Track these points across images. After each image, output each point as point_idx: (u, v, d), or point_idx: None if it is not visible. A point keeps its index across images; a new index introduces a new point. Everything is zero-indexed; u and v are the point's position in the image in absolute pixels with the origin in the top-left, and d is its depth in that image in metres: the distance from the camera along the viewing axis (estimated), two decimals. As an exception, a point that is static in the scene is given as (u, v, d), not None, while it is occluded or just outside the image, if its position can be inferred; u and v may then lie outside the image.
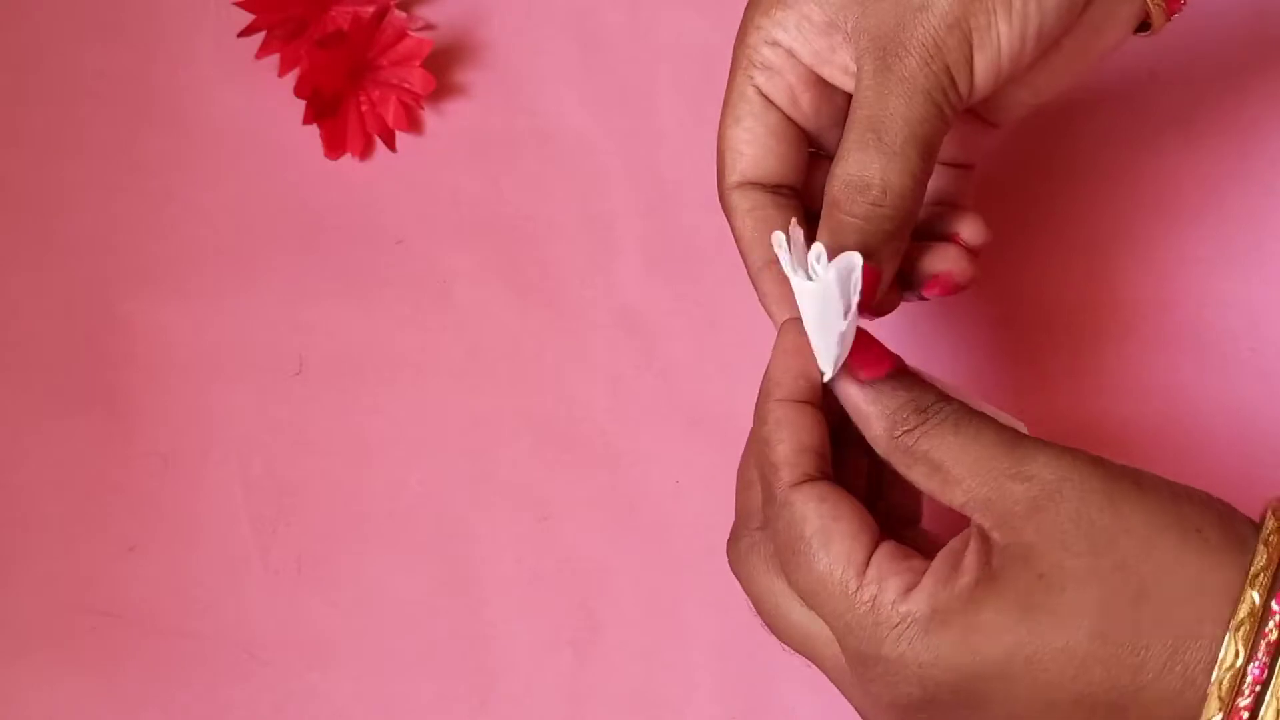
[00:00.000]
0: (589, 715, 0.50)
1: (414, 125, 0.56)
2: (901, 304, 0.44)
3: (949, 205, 0.45)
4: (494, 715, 0.50)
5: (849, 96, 0.41)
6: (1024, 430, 0.39)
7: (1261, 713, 0.33)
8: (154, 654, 0.51)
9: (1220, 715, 0.34)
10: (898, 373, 0.39)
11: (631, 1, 0.56)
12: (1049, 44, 0.41)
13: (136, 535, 0.52)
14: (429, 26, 0.56)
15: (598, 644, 0.50)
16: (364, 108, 0.55)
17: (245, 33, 0.54)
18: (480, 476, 0.52)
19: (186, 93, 0.56)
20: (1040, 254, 0.53)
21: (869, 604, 0.36)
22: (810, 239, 0.39)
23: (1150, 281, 0.52)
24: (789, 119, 0.43)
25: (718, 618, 0.50)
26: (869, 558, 0.37)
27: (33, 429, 0.53)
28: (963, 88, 0.40)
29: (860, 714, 0.39)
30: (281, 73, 0.56)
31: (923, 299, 0.44)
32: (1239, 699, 0.34)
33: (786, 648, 0.40)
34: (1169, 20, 0.43)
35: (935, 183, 0.43)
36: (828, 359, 0.39)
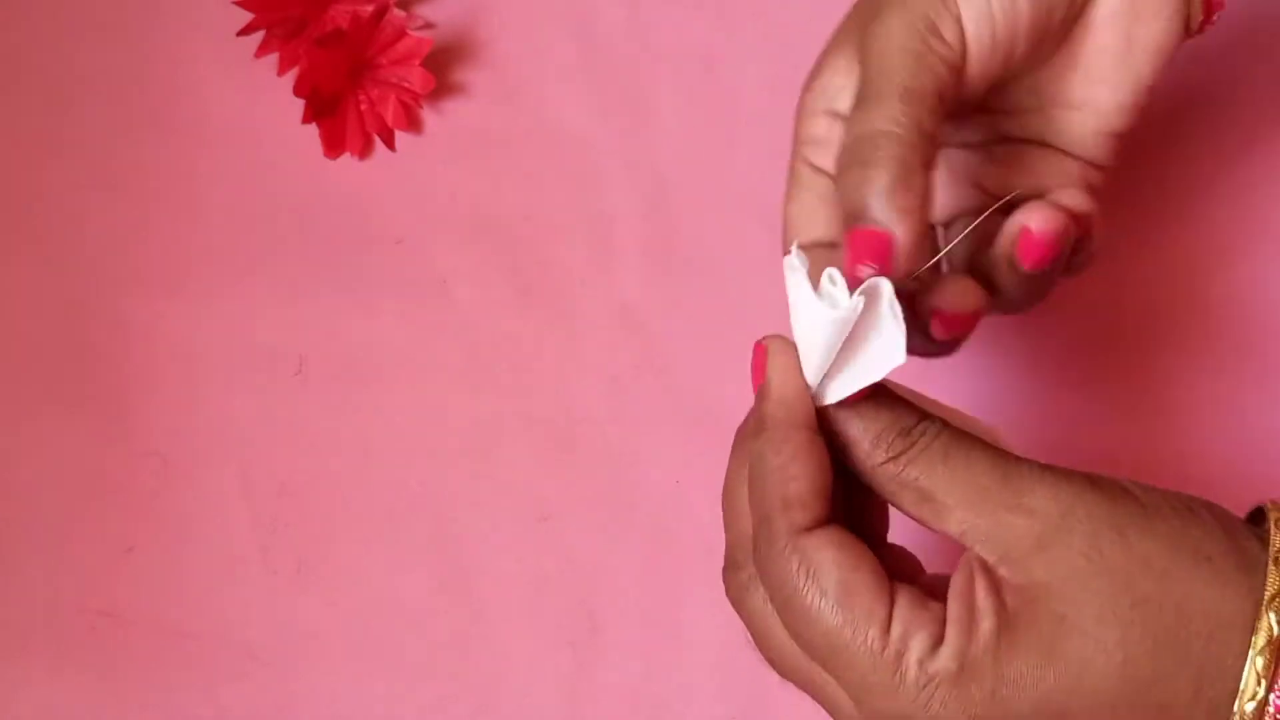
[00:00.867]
0: (589, 715, 0.50)
1: (413, 124, 0.56)
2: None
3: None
4: (494, 715, 0.50)
5: None
6: (1001, 435, 0.38)
7: None
8: (153, 654, 0.51)
9: None
10: (878, 392, 0.37)
11: (631, 1, 0.56)
12: (1058, 15, 0.40)
13: (135, 535, 0.52)
14: (428, 25, 0.56)
15: (598, 644, 0.50)
16: (363, 107, 0.55)
17: (244, 31, 0.54)
18: (480, 477, 0.52)
19: (185, 92, 0.56)
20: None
21: (893, 663, 0.34)
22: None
23: (1151, 282, 0.52)
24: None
25: (718, 618, 0.50)
26: (891, 612, 0.35)
27: (32, 429, 0.53)
28: (949, 34, 0.39)
29: None
30: (280, 72, 0.56)
31: (933, 343, 0.41)
32: None
33: (786, 681, 0.38)
34: (1210, 19, 0.42)
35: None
36: (830, 389, 0.37)
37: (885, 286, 0.35)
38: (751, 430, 0.38)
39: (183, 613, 0.51)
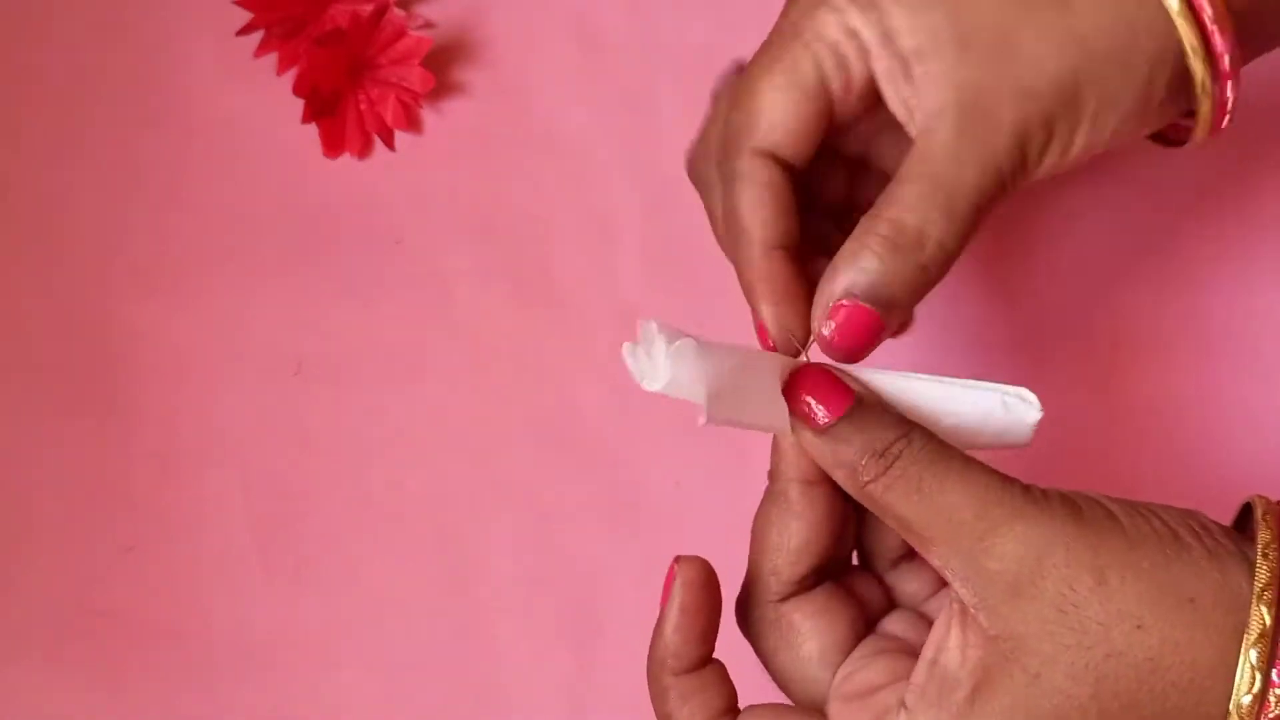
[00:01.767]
0: (589, 715, 0.50)
1: (413, 124, 0.56)
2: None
3: None
4: (494, 715, 0.50)
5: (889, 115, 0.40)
6: (1031, 399, 0.37)
7: None
8: (153, 654, 0.51)
9: None
10: (856, 406, 0.36)
11: (631, 1, 0.56)
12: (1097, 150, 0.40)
13: (136, 536, 0.52)
14: (428, 25, 0.56)
15: (598, 644, 0.50)
16: (363, 106, 0.55)
17: (244, 31, 0.54)
18: (480, 477, 0.52)
19: (184, 91, 0.56)
20: (1041, 254, 0.53)
21: None
22: None
23: (1151, 283, 0.52)
24: (832, 108, 0.40)
25: (718, 618, 0.50)
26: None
27: (32, 429, 0.53)
28: (1030, 174, 0.39)
29: None
30: (280, 71, 0.55)
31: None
32: None
33: None
34: (1207, 138, 0.42)
35: None
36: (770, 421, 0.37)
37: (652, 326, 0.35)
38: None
39: (183, 613, 0.51)
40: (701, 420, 0.35)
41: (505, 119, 0.55)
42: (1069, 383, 0.52)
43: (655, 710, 0.38)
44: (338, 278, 0.54)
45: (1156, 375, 0.51)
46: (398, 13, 0.54)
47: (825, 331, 0.38)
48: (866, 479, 0.35)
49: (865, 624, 0.39)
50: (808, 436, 0.36)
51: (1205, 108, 0.40)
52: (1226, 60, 0.39)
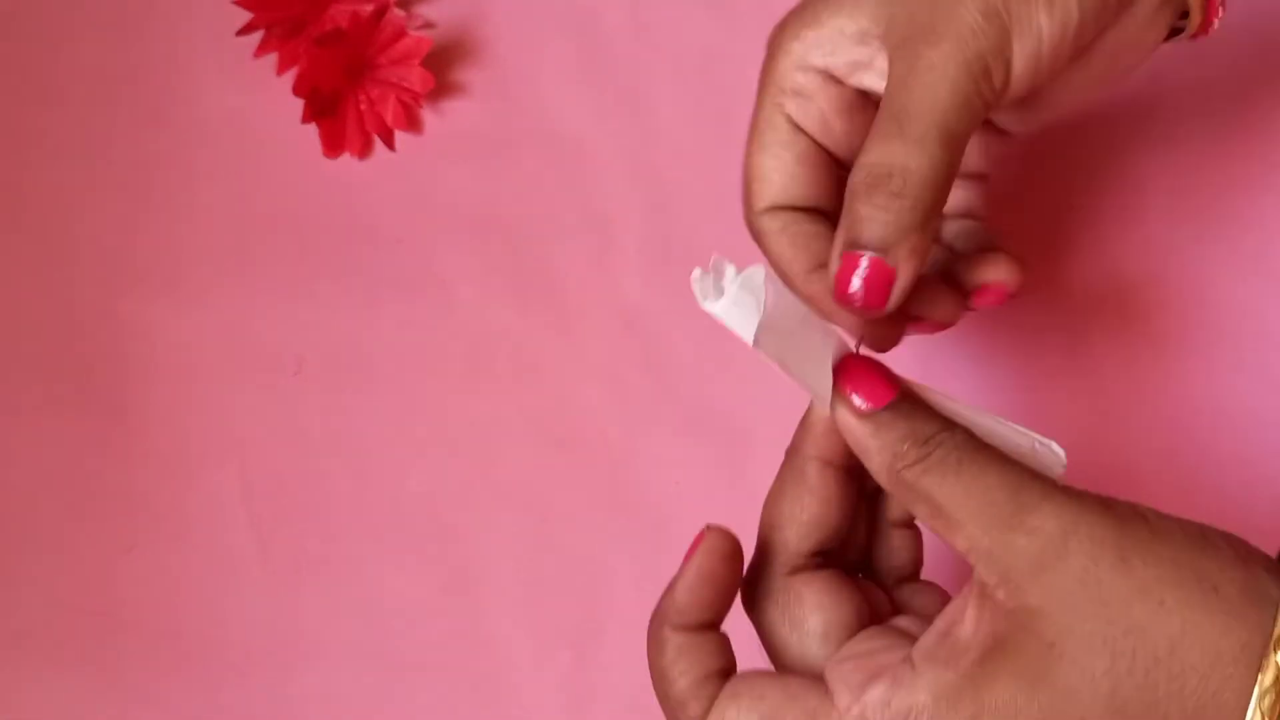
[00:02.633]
0: (589, 715, 0.50)
1: (413, 124, 0.56)
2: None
3: (966, 218, 0.44)
4: (494, 715, 0.50)
5: None
6: (1058, 451, 0.37)
7: None
8: (152, 654, 0.51)
9: None
10: (901, 399, 0.37)
11: (631, 1, 0.56)
12: (1086, 42, 0.39)
13: (135, 535, 0.52)
14: (428, 25, 0.56)
15: (598, 644, 0.50)
16: (363, 106, 0.55)
17: (243, 31, 0.54)
18: (480, 477, 0.52)
19: (184, 91, 0.56)
20: (1041, 254, 0.53)
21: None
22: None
23: (1152, 283, 0.52)
24: (819, 145, 0.41)
25: (718, 618, 0.50)
26: (819, 698, 0.35)
27: (32, 429, 0.53)
28: (997, 80, 0.38)
29: None
30: (280, 71, 0.56)
31: (971, 310, 0.43)
32: None
33: None
34: (1205, 31, 0.41)
35: (951, 195, 0.41)
36: (812, 382, 0.37)
37: (758, 271, 0.36)
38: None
39: (182, 612, 0.51)
40: (750, 343, 0.35)
41: (505, 119, 0.55)
42: (1068, 383, 0.52)
43: (650, 664, 0.38)
44: (338, 278, 0.54)
45: (1158, 376, 0.51)
46: (398, 13, 0.54)
47: (839, 302, 0.38)
48: (905, 463, 0.36)
49: (871, 616, 0.39)
50: (848, 418, 0.37)
51: None
52: None
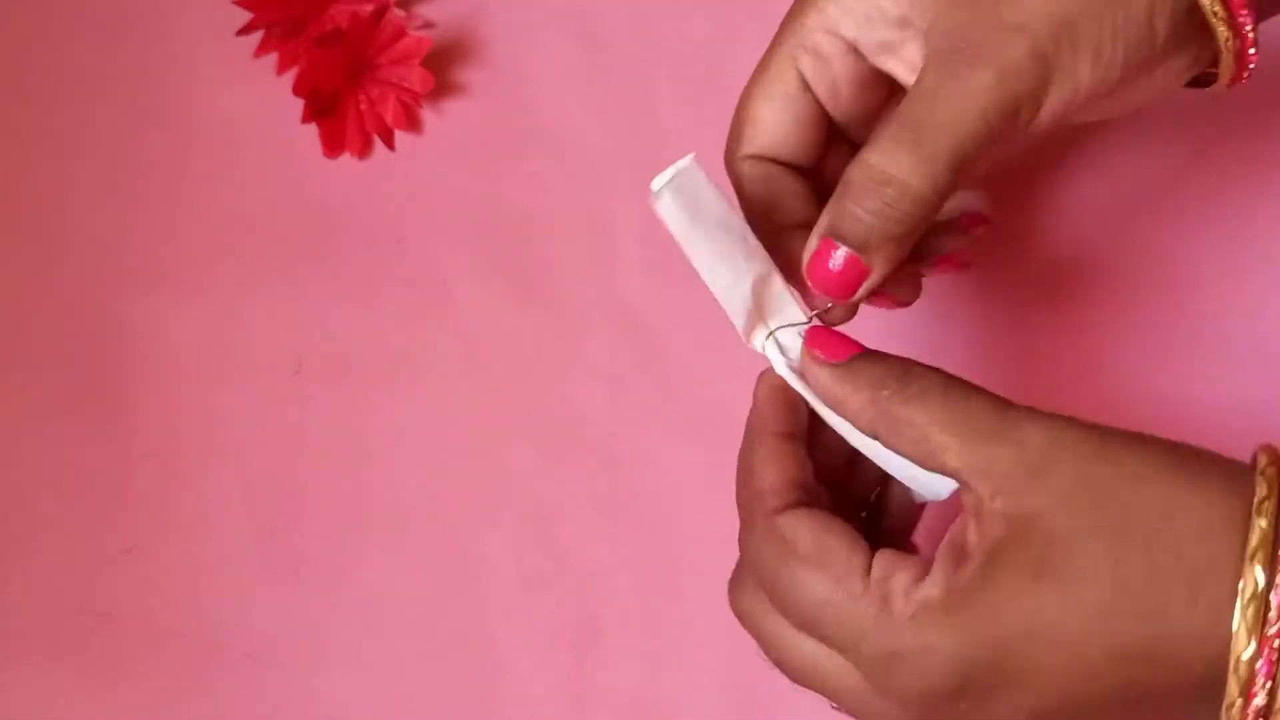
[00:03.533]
0: (589, 716, 0.50)
1: (413, 124, 0.56)
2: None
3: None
4: (494, 715, 0.50)
5: (901, 94, 0.40)
6: (951, 484, 0.38)
7: None
8: (153, 655, 0.51)
9: (1253, 645, 0.33)
10: (868, 351, 0.38)
11: (631, 1, 0.56)
12: (1116, 90, 0.39)
13: (136, 535, 0.52)
14: (428, 25, 0.56)
15: (598, 645, 0.50)
16: (363, 106, 0.55)
17: (244, 31, 0.54)
18: (480, 477, 0.52)
19: (184, 91, 0.56)
20: (1042, 255, 0.53)
21: (880, 602, 0.35)
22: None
23: (1153, 284, 0.52)
24: (822, 108, 0.41)
25: (718, 617, 0.49)
26: (869, 562, 0.36)
27: (32, 429, 0.53)
28: (1024, 119, 0.38)
29: None
30: (280, 71, 0.56)
31: (926, 276, 0.43)
32: (1268, 628, 0.33)
33: (798, 687, 0.39)
34: (1229, 87, 0.41)
35: None
36: (734, 309, 0.40)
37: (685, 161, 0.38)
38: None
39: (182, 613, 0.51)
40: (655, 208, 0.38)
41: (505, 119, 0.55)
42: (1066, 383, 0.52)
43: (739, 462, 0.40)
44: (338, 278, 0.54)
45: (1156, 375, 0.51)
46: (398, 13, 0.54)
47: (806, 278, 0.39)
48: (888, 390, 0.37)
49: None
50: (820, 370, 0.38)
51: (1224, 36, 0.39)
52: None
